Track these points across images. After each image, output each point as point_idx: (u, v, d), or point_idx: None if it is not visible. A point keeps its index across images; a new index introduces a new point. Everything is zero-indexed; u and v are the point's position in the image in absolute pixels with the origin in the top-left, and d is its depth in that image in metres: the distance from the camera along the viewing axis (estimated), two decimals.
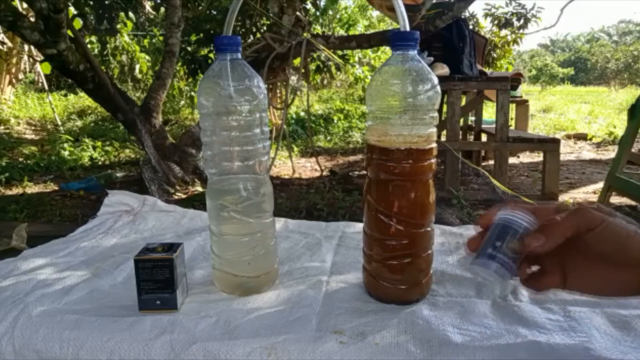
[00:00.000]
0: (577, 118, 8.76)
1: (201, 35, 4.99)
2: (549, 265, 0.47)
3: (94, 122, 7.36)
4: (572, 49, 42.15)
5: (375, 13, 11.83)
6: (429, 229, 0.61)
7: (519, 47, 8.02)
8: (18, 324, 0.56)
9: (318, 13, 9.16)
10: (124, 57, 8.62)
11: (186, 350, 0.52)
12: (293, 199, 3.11)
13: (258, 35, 4.71)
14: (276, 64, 3.43)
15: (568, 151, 5.50)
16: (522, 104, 5.45)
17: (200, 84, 0.63)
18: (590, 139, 6.42)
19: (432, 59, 3.28)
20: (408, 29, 0.59)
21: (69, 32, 2.95)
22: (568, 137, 6.66)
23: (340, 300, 0.63)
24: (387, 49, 6.36)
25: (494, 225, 0.47)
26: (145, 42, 9.01)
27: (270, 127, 0.80)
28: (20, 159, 4.38)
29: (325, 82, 11.63)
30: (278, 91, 4.30)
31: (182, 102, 8.43)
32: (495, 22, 7.69)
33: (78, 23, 4.25)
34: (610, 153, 5.17)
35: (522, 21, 7.48)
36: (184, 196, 3.20)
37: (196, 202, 2.85)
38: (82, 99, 8.47)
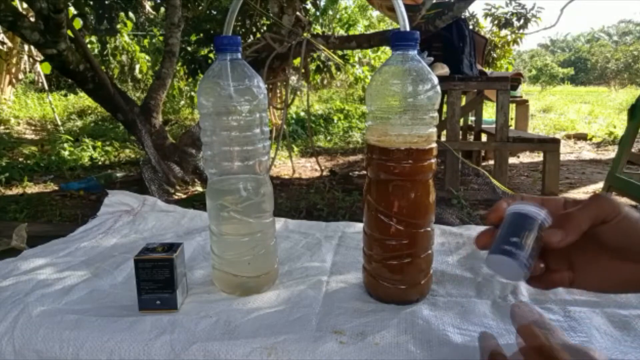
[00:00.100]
0: (577, 118, 8.76)
1: (201, 35, 4.99)
2: (555, 261, 0.44)
3: (94, 122, 7.36)
4: (572, 49, 42.16)
5: (375, 13, 11.84)
6: (429, 229, 0.61)
7: (519, 47, 8.03)
8: (18, 324, 0.56)
9: (318, 13, 9.16)
10: (124, 57, 8.62)
11: (186, 350, 0.52)
12: (293, 199, 3.11)
13: (258, 35, 4.71)
14: (276, 64, 3.43)
15: (568, 151, 5.50)
16: (522, 104, 5.45)
17: (200, 84, 0.63)
18: (590, 139, 6.42)
19: (432, 59, 3.28)
20: (408, 29, 0.59)
21: (69, 32, 2.95)
22: (568, 137, 6.67)
23: (340, 300, 0.63)
24: (387, 49, 6.36)
25: (507, 218, 0.44)
26: (145, 42, 9.01)
27: (270, 127, 0.81)
28: (20, 159, 4.38)
29: (325, 82, 11.63)
30: (278, 91, 4.30)
31: (182, 102, 8.43)
32: (495, 22, 7.69)
33: (78, 23, 4.25)
34: (610, 153, 5.17)
35: (522, 21, 7.48)
36: (184, 196, 3.20)
37: (196, 202, 2.85)
38: (82, 99, 8.47)
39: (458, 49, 3.57)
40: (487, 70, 4.95)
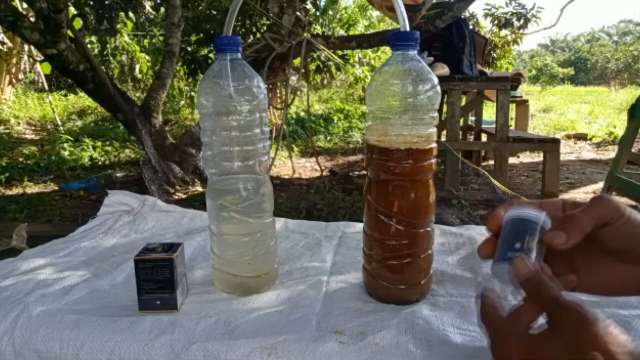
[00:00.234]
0: (577, 118, 8.77)
1: (201, 35, 4.99)
2: (557, 264, 0.44)
3: (94, 122, 7.36)
4: (572, 49, 42.16)
5: (375, 13, 11.84)
6: (429, 229, 0.61)
7: (519, 47, 8.03)
8: (18, 324, 0.56)
9: (318, 13, 9.16)
10: (124, 57, 8.62)
11: (186, 350, 0.52)
12: (293, 199, 3.11)
13: (258, 35, 4.72)
14: (276, 64, 3.43)
15: (568, 151, 5.50)
16: (522, 104, 5.45)
17: (200, 84, 0.63)
18: (590, 139, 6.43)
19: (432, 59, 3.28)
20: (408, 29, 0.59)
21: (69, 32, 2.95)
22: (568, 137, 6.67)
23: (340, 300, 0.62)
24: (387, 49, 6.36)
25: (507, 225, 0.43)
26: (145, 42, 9.01)
27: (270, 127, 0.80)
28: (20, 159, 4.38)
29: (325, 82, 11.64)
30: (278, 91, 4.30)
31: (182, 102, 8.43)
32: (495, 22, 7.70)
33: (78, 23, 4.25)
34: (610, 153, 5.17)
35: (522, 21, 7.49)
36: (184, 196, 3.20)
37: (196, 202, 2.85)
38: (82, 99, 8.47)
39: (458, 49, 3.57)
40: (487, 70, 4.95)
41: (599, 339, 0.33)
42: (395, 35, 0.57)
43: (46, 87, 7.42)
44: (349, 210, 2.82)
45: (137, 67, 8.71)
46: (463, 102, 4.16)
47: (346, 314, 0.59)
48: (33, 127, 6.88)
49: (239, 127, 0.61)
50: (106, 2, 4.53)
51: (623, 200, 3.04)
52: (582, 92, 19.90)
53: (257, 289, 0.65)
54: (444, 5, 3.43)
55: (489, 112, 6.58)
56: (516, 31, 7.53)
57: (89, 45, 4.53)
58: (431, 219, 0.61)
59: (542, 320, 0.38)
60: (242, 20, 4.75)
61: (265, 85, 0.79)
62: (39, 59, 6.06)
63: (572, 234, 0.40)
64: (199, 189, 3.37)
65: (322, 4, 9.06)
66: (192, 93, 8.31)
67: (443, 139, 3.44)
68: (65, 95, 9.34)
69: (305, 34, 3.45)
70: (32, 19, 2.91)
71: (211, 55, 4.98)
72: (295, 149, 5.33)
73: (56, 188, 3.51)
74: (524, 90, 9.62)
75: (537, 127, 7.70)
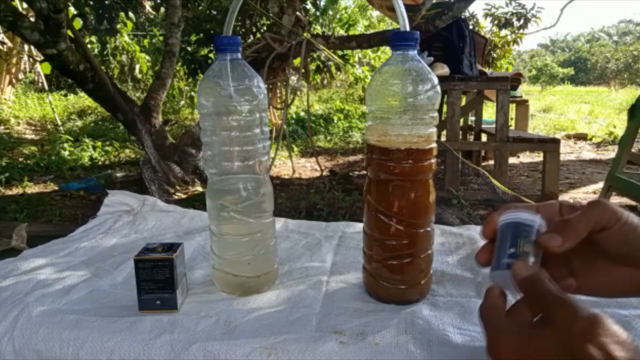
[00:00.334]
0: (577, 118, 8.77)
1: (201, 35, 4.99)
2: (556, 268, 0.44)
3: (94, 122, 7.36)
4: (572, 49, 42.17)
5: (375, 13, 11.84)
6: (429, 229, 0.61)
7: (519, 47, 8.04)
8: (18, 324, 0.56)
9: (318, 13, 9.16)
10: (124, 57, 8.62)
11: (186, 350, 0.52)
12: (293, 199, 3.11)
13: (258, 35, 4.72)
14: (276, 64, 3.43)
15: (568, 151, 5.51)
16: (522, 104, 5.45)
17: (200, 84, 0.63)
18: (590, 139, 6.43)
19: (432, 59, 3.28)
20: (408, 29, 0.59)
21: (69, 32, 2.95)
22: (568, 137, 6.67)
23: (340, 300, 0.62)
24: (387, 49, 6.36)
25: (501, 230, 0.43)
26: (145, 42, 9.01)
27: (270, 127, 0.81)
28: (20, 159, 4.38)
29: (325, 82, 11.64)
30: (278, 91, 4.30)
31: (182, 102, 8.43)
32: (495, 22, 7.70)
33: (78, 23, 4.25)
34: (610, 153, 5.17)
35: (522, 21, 7.49)
36: (184, 196, 3.20)
37: (196, 202, 2.85)
38: (82, 99, 8.47)
39: (458, 49, 3.57)
40: (487, 70, 4.95)
41: (589, 332, 0.33)
42: (395, 35, 0.57)
43: (46, 87, 7.42)
44: (349, 210, 2.83)
45: (137, 67, 8.71)
46: (463, 102, 4.16)
47: (346, 314, 0.59)
48: (33, 127, 6.89)
49: (239, 127, 0.61)
50: (106, 2, 4.53)
51: (623, 201, 3.05)
52: (582, 92, 19.91)
53: (257, 289, 0.65)
54: (444, 5, 3.43)
55: (489, 112, 6.59)
56: (516, 31, 7.53)
57: (89, 45, 4.53)
58: (431, 219, 0.61)
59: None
60: (242, 20, 4.75)
61: (265, 85, 0.79)
62: (39, 59, 6.06)
63: (567, 238, 0.40)
64: (199, 189, 3.37)
65: (322, 4, 9.06)
66: (192, 93, 8.31)
67: (443, 139, 3.44)
68: (65, 95, 9.35)
69: (305, 34, 3.45)
70: (32, 19, 2.91)
71: (211, 55, 4.98)
72: (295, 149, 5.33)
73: (56, 188, 3.51)
74: (524, 90, 9.62)
75: (537, 127, 7.70)
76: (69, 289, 0.65)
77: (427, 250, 0.62)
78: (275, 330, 0.55)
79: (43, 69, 6.69)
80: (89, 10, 4.70)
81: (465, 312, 0.59)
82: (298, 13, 3.50)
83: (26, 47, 7.12)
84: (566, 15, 5.22)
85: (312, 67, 5.53)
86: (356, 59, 9.06)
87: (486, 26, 7.89)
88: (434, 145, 0.59)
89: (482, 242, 0.47)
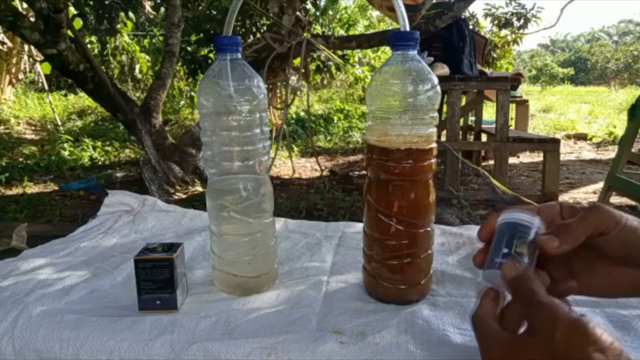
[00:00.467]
0: (577, 118, 8.77)
1: (201, 35, 4.99)
2: (558, 271, 0.44)
3: (94, 122, 7.36)
4: (572, 49, 42.17)
5: (375, 13, 11.84)
6: (429, 229, 0.61)
7: (519, 47, 8.04)
8: (18, 324, 0.56)
9: (318, 13, 9.16)
10: (124, 57, 8.63)
11: (186, 350, 0.52)
12: (293, 199, 3.11)
13: (258, 35, 4.72)
14: (276, 64, 3.43)
15: (568, 151, 5.51)
16: (522, 104, 5.45)
17: (200, 84, 0.63)
18: (590, 139, 6.43)
19: (432, 59, 3.28)
20: (408, 29, 0.59)
21: (69, 32, 2.95)
22: (568, 137, 6.67)
23: (340, 300, 0.62)
24: (387, 49, 6.37)
25: (498, 230, 0.43)
26: (145, 42, 9.01)
27: (270, 127, 0.81)
28: (20, 159, 4.38)
29: (325, 82, 11.64)
30: (278, 91, 4.30)
31: (182, 102, 8.43)
32: (495, 22, 7.70)
33: (78, 23, 4.26)
34: (610, 153, 5.17)
35: (522, 21, 7.49)
36: (184, 196, 3.20)
37: (196, 202, 2.85)
38: (82, 99, 8.47)
39: (458, 49, 3.57)
40: (487, 70, 4.95)
41: (571, 338, 0.33)
42: (395, 35, 0.57)
43: (46, 87, 7.43)
44: (349, 210, 2.83)
45: (137, 67, 8.71)
46: (463, 102, 4.16)
47: (346, 314, 0.59)
48: (33, 127, 6.89)
49: (239, 127, 0.61)
50: (106, 2, 4.53)
51: (623, 201, 3.05)
52: (582, 92, 19.91)
53: (257, 289, 0.65)
54: (444, 5, 3.43)
55: (489, 112, 6.59)
56: (516, 31, 7.53)
57: (89, 45, 4.53)
58: (431, 219, 0.61)
59: None
60: (242, 20, 4.75)
61: (265, 85, 0.79)
62: (39, 59, 6.06)
63: (565, 241, 0.41)
64: (199, 189, 3.37)
65: (322, 4, 9.06)
66: (192, 93, 8.31)
67: (443, 139, 3.44)
68: (65, 95, 9.35)
69: (305, 34, 3.45)
70: (32, 19, 2.91)
71: (211, 55, 4.98)
72: (295, 149, 5.33)
73: (56, 188, 3.51)
74: (524, 90, 9.62)
75: (537, 127, 7.70)
76: (69, 289, 0.65)
77: (427, 250, 0.62)
78: (275, 330, 0.55)
79: (43, 69, 6.69)
80: (89, 10, 4.70)
81: (465, 312, 0.59)
82: (298, 13, 3.50)
83: (26, 47, 7.12)
84: (566, 15, 5.23)
85: (312, 67, 5.53)
86: (356, 59, 9.06)
87: (486, 26, 7.90)
88: (434, 145, 0.59)
89: (482, 242, 0.47)
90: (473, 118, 4.85)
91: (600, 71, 31.05)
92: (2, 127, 6.57)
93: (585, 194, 3.50)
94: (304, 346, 0.52)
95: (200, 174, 3.53)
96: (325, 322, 0.57)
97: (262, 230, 0.66)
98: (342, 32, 9.80)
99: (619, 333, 0.54)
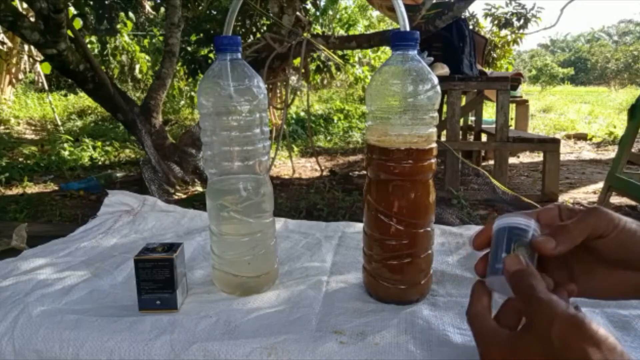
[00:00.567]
0: (577, 118, 8.77)
1: (201, 35, 4.99)
2: (558, 274, 0.44)
3: (94, 122, 7.36)
4: (572, 49, 42.17)
5: (375, 13, 11.84)
6: (429, 229, 0.61)
7: (519, 47, 8.04)
8: (18, 324, 0.56)
9: (318, 13, 9.16)
10: (124, 57, 8.63)
11: (186, 350, 0.52)
12: (293, 199, 3.11)
13: (258, 35, 4.72)
14: (276, 64, 3.43)
15: (568, 151, 5.50)
16: (522, 104, 5.45)
17: (200, 84, 0.63)
18: (590, 139, 6.43)
19: (432, 59, 3.28)
20: (408, 29, 0.59)
21: (69, 32, 2.95)
22: (568, 137, 6.67)
23: (340, 300, 0.62)
24: (387, 49, 6.37)
25: (495, 235, 0.43)
26: (145, 42, 9.01)
27: (270, 127, 0.81)
28: (20, 159, 4.38)
29: (325, 82, 11.64)
30: (278, 91, 4.30)
31: (182, 102, 8.43)
32: (495, 22, 7.70)
33: (78, 23, 4.26)
34: (610, 153, 5.17)
35: (522, 21, 7.49)
36: (184, 196, 3.20)
37: (196, 202, 2.85)
38: (82, 99, 8.47)
39: (458, 49, 3.57)
40: (487, 70, 4.95)
41: (568, 335, 0.33)
42: (395, 35, 0.57)
43: (46, 87, 7.42)
44: (349, 210, 2.82)
45: (137, 67, 8.71)
46: (463, 102, 4.16)
47: (346, 314, 0.59)
48: (33, 127, 6.89)
49: (239, 127, 0.61)
50: (106, 2, 4.53)
51: (623, 201, 3.05)
52: (582, 92, 19.91)
53: (257, 289, 0.65)
54: (444, 5, 3.43)
55: (489, 112, 6.59)
56: (516, 31, 7.53)
57: (89, 45, 4.53)
58: (431, 219, 0.61)
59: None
60: (242, 20, 4.75)
61: (265, 85, 0.79)
62: (39, 59, 6.06)
63: (561, 242, 0.41)
64: (199, 189, 3.37)
65: (322, 4, 9.06)
66: (192, 93, 8.31)
67: (443, 139, 3.44)
68: (65, 95, 9.35)
69: (305, 34, 3.45)
70: (32, 19, 2.91)
71: (211, 55, 4.98)
72: (295, 149, 5.33)
73: (56, 188, 3.51)
74: (524, 90, 9.62)
75: (537, 127, 7.70)
76: (69, 289, 0.65)
77: (427, 250, 0.62)
78: (275, 330, 0.55)
79: (43, 69, 6.69)
80: (89, 10, 4.70)
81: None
82: (298, 13, 3.50)
83: (26, 47, 7.12)
84: (566, 15, 5.23)
85: (312, 67, 5.53)
86: (356, 59, 9.06)
87: (486, 26, 7.90)
88: (434, 145, 0.59)
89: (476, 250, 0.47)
90: (473, 118, 4.85)
91: (600, 71, 31.06)
92: (2, 127, 6.57)
93: (585, 194, 3.50)
94: (304, 346, 0.52)
95: (200, 174, 3.53)
96: (325, 322, 0.57)
97: (262, 230, 0.66)
98: (342, 32, 9.81)
99: (619, 333, 0.54)
